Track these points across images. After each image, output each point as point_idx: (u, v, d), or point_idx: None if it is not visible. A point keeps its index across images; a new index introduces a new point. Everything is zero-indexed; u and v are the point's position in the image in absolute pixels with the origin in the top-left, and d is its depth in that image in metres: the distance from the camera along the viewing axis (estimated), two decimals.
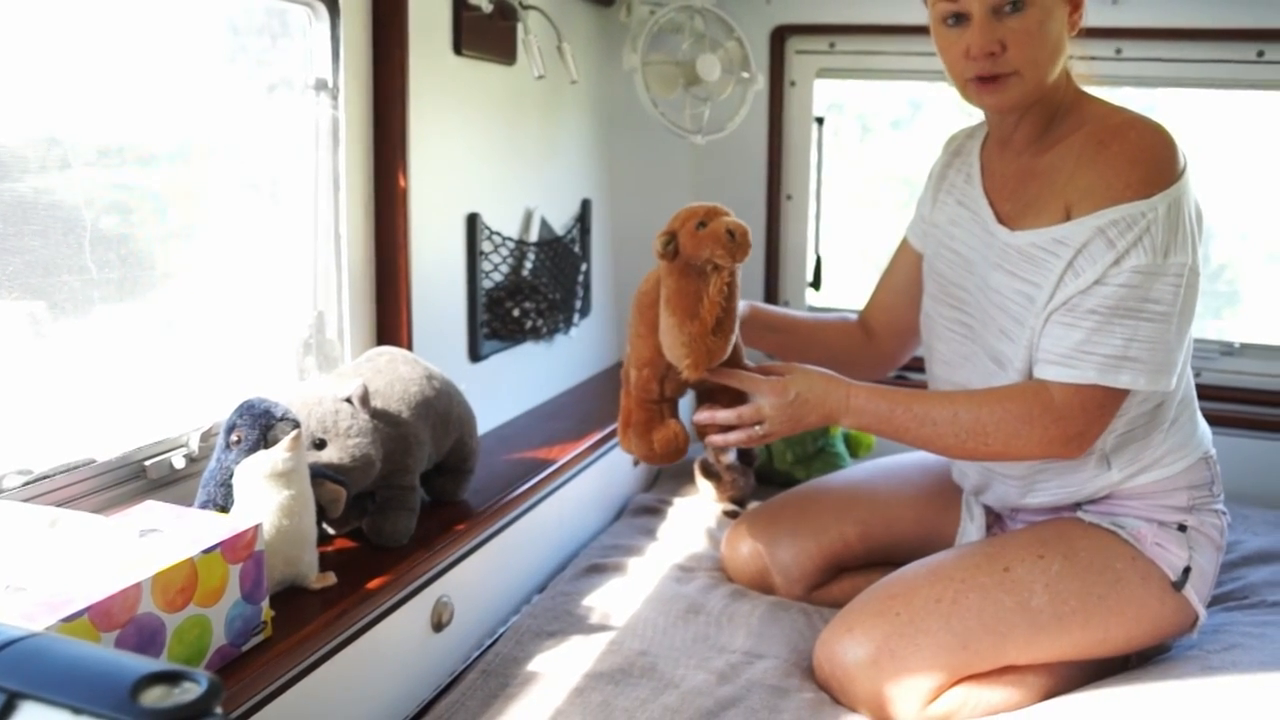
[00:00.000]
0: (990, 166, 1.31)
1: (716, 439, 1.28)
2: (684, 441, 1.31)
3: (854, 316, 1.54)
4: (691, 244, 1.17)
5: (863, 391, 1.23)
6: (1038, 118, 1.22)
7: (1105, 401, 1.15)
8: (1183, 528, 1.23)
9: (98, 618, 0.78)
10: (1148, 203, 1.10)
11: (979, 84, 1.16)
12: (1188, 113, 2.07)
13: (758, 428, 1.24)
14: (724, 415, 1.26)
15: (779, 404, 1.22)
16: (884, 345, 1.51)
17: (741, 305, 1.31)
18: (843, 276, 2.33)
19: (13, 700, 0.46)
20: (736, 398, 1.28)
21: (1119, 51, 1.89)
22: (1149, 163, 1.11)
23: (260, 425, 1.03)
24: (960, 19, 1.15)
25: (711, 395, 1.31)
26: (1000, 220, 1.25)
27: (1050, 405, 1.15)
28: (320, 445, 1.11)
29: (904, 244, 1.49)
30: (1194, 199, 1.15)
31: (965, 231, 1.30)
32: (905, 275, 1.47)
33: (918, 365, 1.49)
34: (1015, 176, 1.26)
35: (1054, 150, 1.21)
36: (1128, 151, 1.12)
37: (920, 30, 1.93)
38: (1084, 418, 1.15)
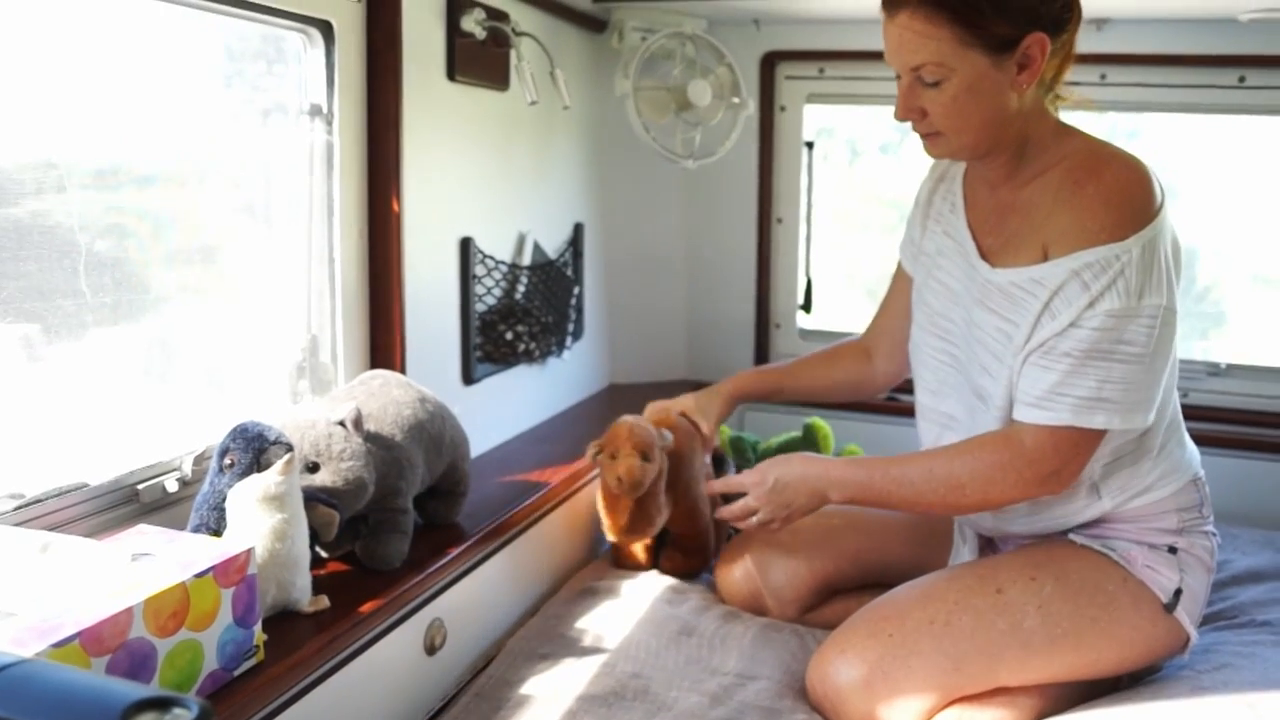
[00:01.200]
0: (973, 198, 1.31)
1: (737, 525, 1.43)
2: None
3: (854, 338, 1.59)
4: (603, 467, 1.46)
5: (838, 464, 1.31)
6: (1004, 159, 1.22)
7: (1080, 442, 1.15)
8: (1173, 550, 1.24)
9: (88, 643, 0.78)
10: (1122, 245, 1.10)
11: (921, 136, 1.21)
12: (1172, 137, 2.10)
13: (753, 519, 1.35)
14: (723, 512, 1.41)
15: (761, 493, 1.33)
16: (885, 365, 1.54)
17: (727, 385, 1.58)
18: (833, 298, 2.35)
19: None
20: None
21: (1104, 77, 1.92)
22: (1124, 204, 1.12)
23: (253, 449, 1.04)
24: (900, 78, 1.18)
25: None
26: (982, 255, 1.26)
27: (1021, 449, 1.16)
28: (313, 469, 1.11)
29: (898, 267, 1.51)
30: (1171, 235, 1.15)
31: (951, 263, 1.31)
32: (901, 298, 1.48)
33: (907, 386, 1.50)
34: (997, 210, 1.26)
35: (1033, 185, 1.21)
36: (1103, 193, 1.12)
37: None
38: (1057, 458, 1.16)
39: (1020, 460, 1.16)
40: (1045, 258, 1.16)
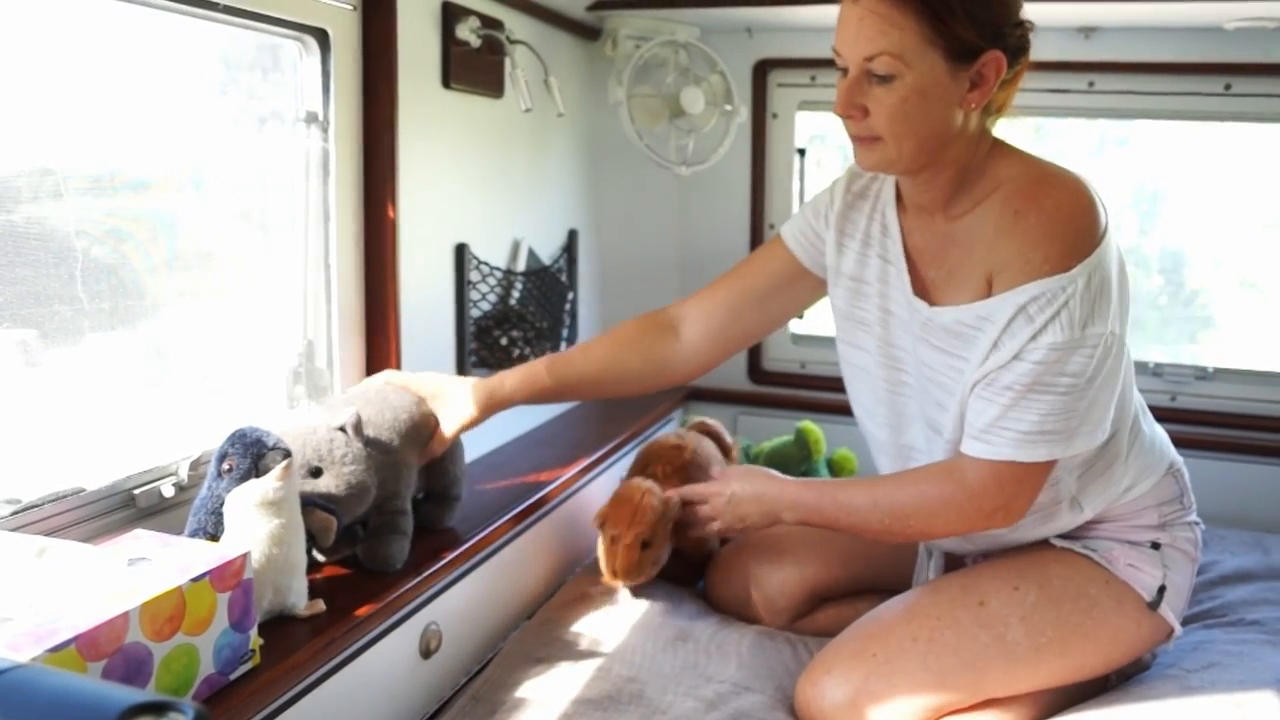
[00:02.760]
0: (908, 225, 1.23)
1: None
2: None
3: (648, 312, 1.42)
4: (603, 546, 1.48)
5: (792, 486, 1.32)
6: (941, 184, 1.15)
7: (1024, 476, 1.12)
8: (1156, 545, 1.25)
9: (85, 647, 0.78)
10: (1067, 276, 1.05)
11: (853, 140, 1.13)
12: (1160, 144, 2.13)
13: (712, 525, 1.39)
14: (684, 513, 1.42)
15: (719, 504, 1.37)
16: (697, 349, 1.38)
17: (513, 379, 1.35)
18: (824, 303, 2.35)
19: None
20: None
21: (1092, 85, 1.94)
22: (1066, 234, 1.07)
23: (252, 454, 1.04)
24: (845, 72, 1.09)
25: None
26: (920, 293, 1.20)
27: (964, 484, 1.14)
28: (316, 474, 1.12)
29: (777, 246, 1.36)
30: (1117, 255, 1.12)
31: (897, 291, 1.23)
32: (767, 280, 1.36)
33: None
34: (936, 242, 1.19)
35: (971, 215, 1.15)
36: (1045, 223, 1.07)
37: None
38: (1001, 494, 1.13)
39: (962, 495, 1.14)
40: (989, 291, 1.11)
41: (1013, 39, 1.08)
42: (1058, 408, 1.08)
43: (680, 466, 1.57)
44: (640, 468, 1.61)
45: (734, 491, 1.34)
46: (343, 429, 1.14)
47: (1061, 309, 1.05)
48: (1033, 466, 1.11)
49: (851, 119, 1.10)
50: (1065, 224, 1.08)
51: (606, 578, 1.46)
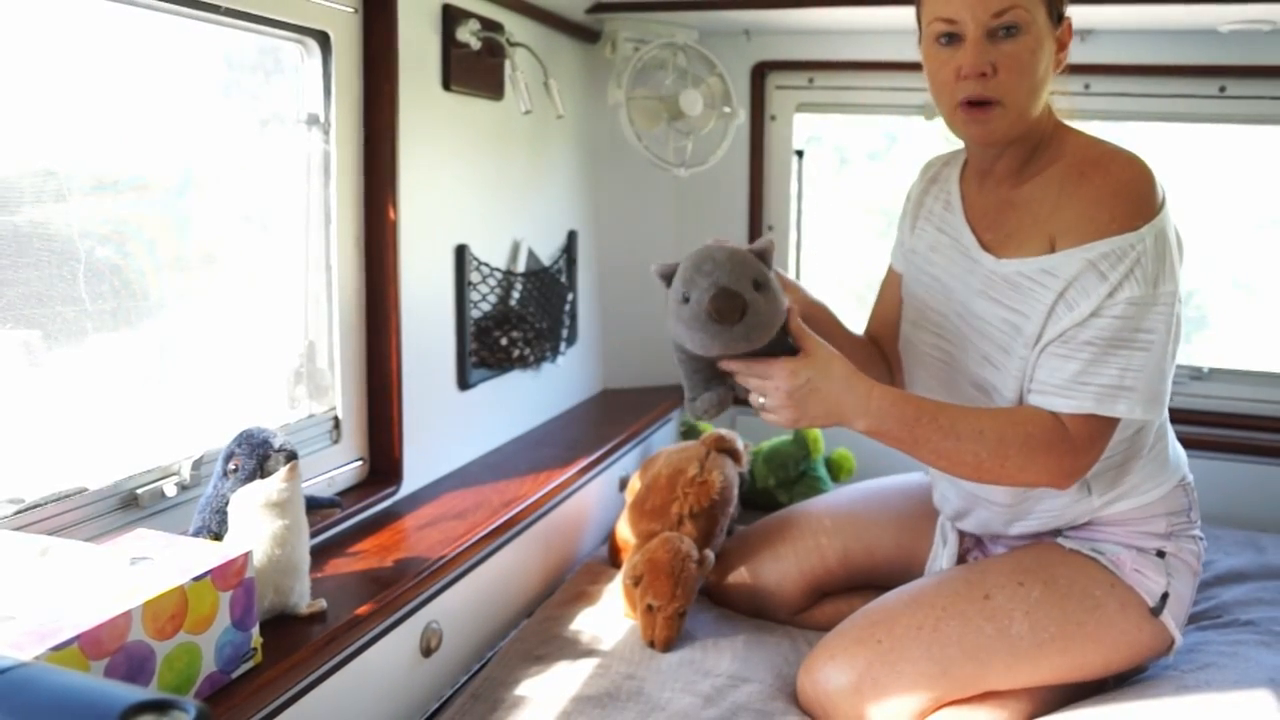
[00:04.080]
0: (969, 196, 1.30)
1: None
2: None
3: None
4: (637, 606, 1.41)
5: (887, 393, 1.14)
6: (1020, 151, 1.20)
7: (1104, 431, 1.14)
8: (1161, 554, 1.25)
9: (87, 646, 0.79)
10: (1135, 235, 1.09)
11: (967, 110, 1.14)
12: (1155, 145, 2.13)
13: (763, 400, 1.14)
14: (736, 370, 1.15)
15: (794, 386, 1.11)
16: (896, 370, 1.46)
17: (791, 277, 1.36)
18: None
19: None
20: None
21: (1088, 87, 1.95)
22: (1131, 195, 1.11)
23: (258, 455, 1.04)
24: (953, 39, 1.13)
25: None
26: (984, 248, 1.24)
27: (1066, 435, 1.14)
28: (759, 286, 1.09)
29: (889, 270, 1.48)
30: (1174, 227, 1.16)
31: (945, 258, 1.29)
32: (893, 299, 1.44)
33: None
34: (995, 207, 1.25)
35: (1032, 182, 1.20)
36: (1109, 184, 1.12)
37: (895, 66, 2.00)
38: (1090, 447, 1.14)
39: (1065, 445, 1.13)
40: (1052, 249, 1.15)
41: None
42: (1135, 364, 1.11)
43: (707, 508, 1.51)
44: (657, 494, 1.54)
45: (809, 379, 1.11)
46: (761, 254, 1.12)
47: (1135, 265, 1.10)
48: (1109, 423, 1.14)
49: (984, 77, 1.12)
50: (1129, 186, 1.12)
51: (643, 641, 1.39)
